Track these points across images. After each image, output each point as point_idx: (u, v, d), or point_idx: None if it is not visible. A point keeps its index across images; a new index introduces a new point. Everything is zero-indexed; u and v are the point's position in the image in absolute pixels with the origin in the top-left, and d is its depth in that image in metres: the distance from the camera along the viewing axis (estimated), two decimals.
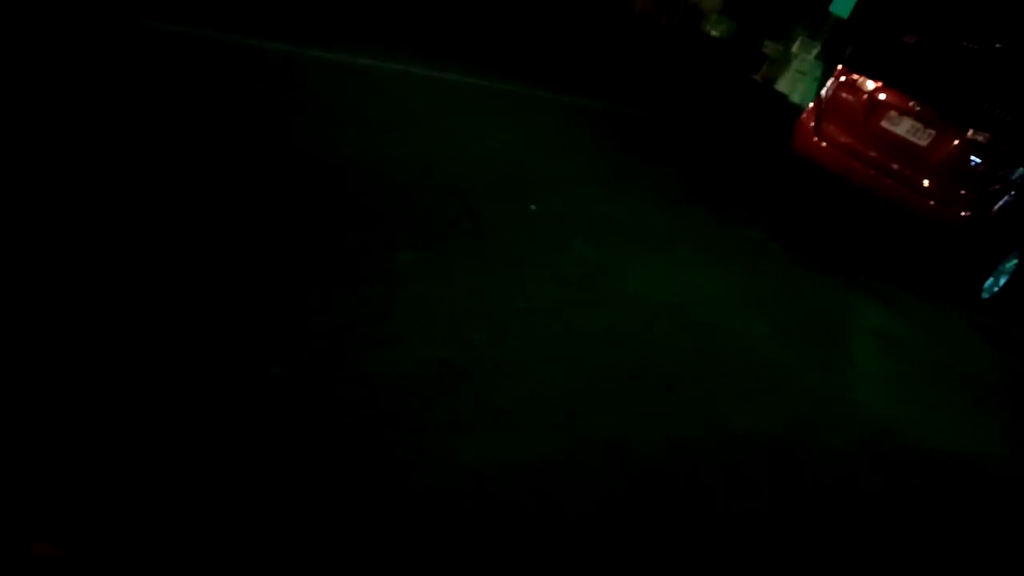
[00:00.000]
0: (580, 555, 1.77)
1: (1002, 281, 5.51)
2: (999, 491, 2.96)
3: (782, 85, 15.67)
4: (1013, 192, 4.95)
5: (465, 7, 8.70)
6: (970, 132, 5.04)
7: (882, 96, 5.54)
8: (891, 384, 3.52)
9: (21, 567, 1.28)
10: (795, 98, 14.90)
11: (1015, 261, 5.49)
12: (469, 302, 2.65)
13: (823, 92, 6.03)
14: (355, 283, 2.47)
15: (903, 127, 5.35)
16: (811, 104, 6.18)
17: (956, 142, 5.09)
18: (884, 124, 5.46)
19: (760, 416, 2.72)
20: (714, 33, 16.35)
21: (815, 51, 15.20)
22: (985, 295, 5.41)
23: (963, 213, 5.02)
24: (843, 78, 5.86)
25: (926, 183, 5.19)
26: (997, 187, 4.96)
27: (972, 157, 5.04)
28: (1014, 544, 2.65)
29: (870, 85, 5.64)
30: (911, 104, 5.34)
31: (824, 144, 5.80)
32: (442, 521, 1.69)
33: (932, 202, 5.15)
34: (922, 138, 5.24)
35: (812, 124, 5.95)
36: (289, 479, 1.64)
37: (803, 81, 15.14)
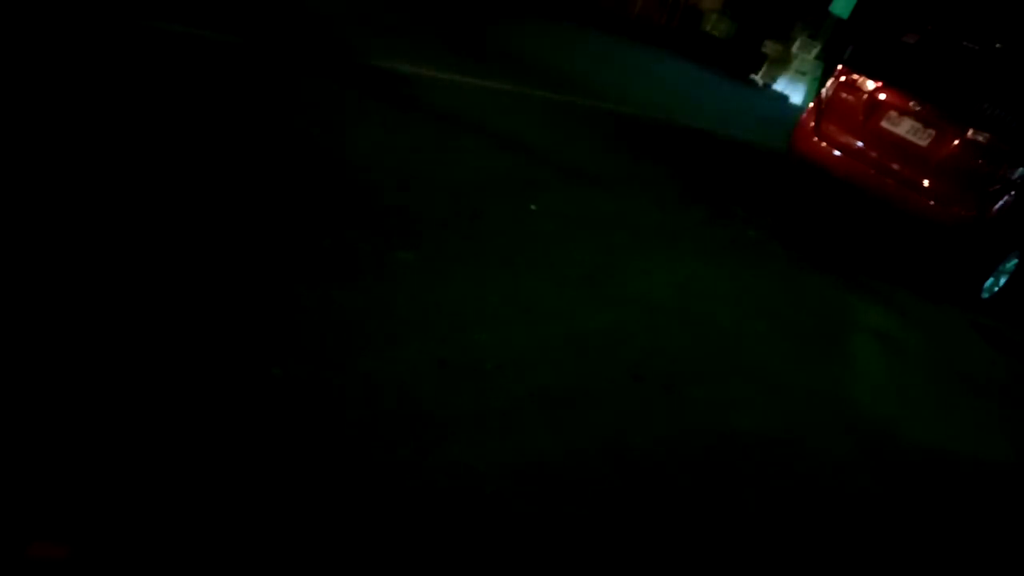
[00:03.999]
0: (579, 555, 1.77)
1: (1002, 281, 5.51)
2: (999, 491, 2.96)
3: (782, 85, 15.67)
4: (1013, 192, 4.95)
5: (464, 9, 8.70)
6: (970, 132, 5.04)
7: (882, 96, 5.53)
8: (891, 384, 3.52)
9: (21, 567, 1.28)
10: (795, 98, 14.90)
11: (1015, 261, 5.49)
12: (469, 302, 2.65)
13: (823, 92, 6.03)
14: (355, 283, 2.47)
15: (903, 127, 5.35)
16: (811, 104, 6.18)
17: (956, 142, 5.09)
18: (884, 124, 5.46)
19: (760, 416, 2.72)
20: (714, 33, 16.36)
21: (815, 51, 15.19)
22: (985, 295, 5.41)
23: (963, 213, 5.02)
24: (843, 78, 5.86)
25: (926, 183, 5.19)
26: (997, 187, 4.96)
27: (972, 157, 5.04)
28: (1015, 545, 2.65)
29: (870, 85, 5.63)
30: (911, 104, 5.34)
31: (824, 144, 5.80)
32: (442, 521, 1.69)
33: (932, 202, 5.15)
34: (922, 138, 5.24)
35: (812, 124, 5.95)
36: (290, 479, 1.64)
37: (803, 81, 15.14)
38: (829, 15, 14.54)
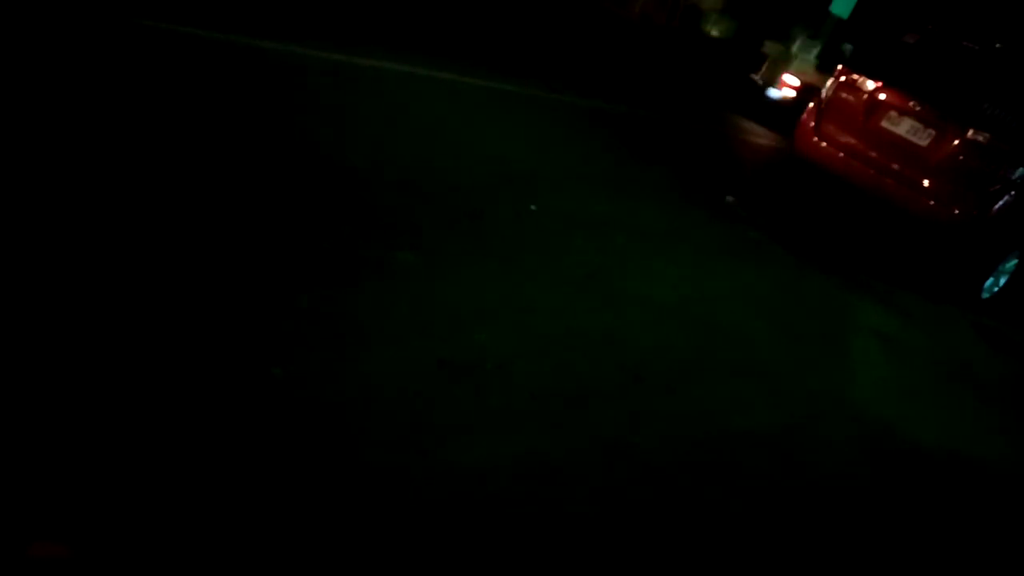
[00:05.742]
0: (580, 554, 1.77)
1: (1002, 281, 5.51)
2: (999, 491, 2.96)
3: None
4: (1013, 192, 4.95)
5: (467, 10, 8.70)
6: (970, 132, 5.04)
7: (882, 96, 5.54)
8: (891, 384, 3.52)
9: (21, 567, 1.28)
10: None
11: (1015, 261, 5.49)
12: (469, 302, 2.65)
13: (823, 92, 6.04)
14: (355, 283, 2.47)
15: (903, 127, 5.35)
16: (811, 104, 6.18)
17: (956, 142, 5.09)
18: (884, 124, 5.46)
19: (760, 416, 2.72)
20: (714, 33, 16.36)
21: (815, 51, 15.21)
22: (985, 295, 5.41)
23: (963, 213, 5.02)
24: (843, 78, 5.86)
25: (926, 183, 5.19)
26: (997, 187, 4.96)
27: (972, 157, 5.04)
28: (1014, 544, 2.65)
29: (870, 85, 5.63)
30: (911, 104, 5.34)
31: (824, 144, 5.80)
32: (442, 520, 1.69)
33: (932, 202, 5.15)
34: (922, 138, 5.24)
35: (812, 124, 5.95)
36: (290, 480, 1.64)
37: None
38: (829, 15, 14.55)
